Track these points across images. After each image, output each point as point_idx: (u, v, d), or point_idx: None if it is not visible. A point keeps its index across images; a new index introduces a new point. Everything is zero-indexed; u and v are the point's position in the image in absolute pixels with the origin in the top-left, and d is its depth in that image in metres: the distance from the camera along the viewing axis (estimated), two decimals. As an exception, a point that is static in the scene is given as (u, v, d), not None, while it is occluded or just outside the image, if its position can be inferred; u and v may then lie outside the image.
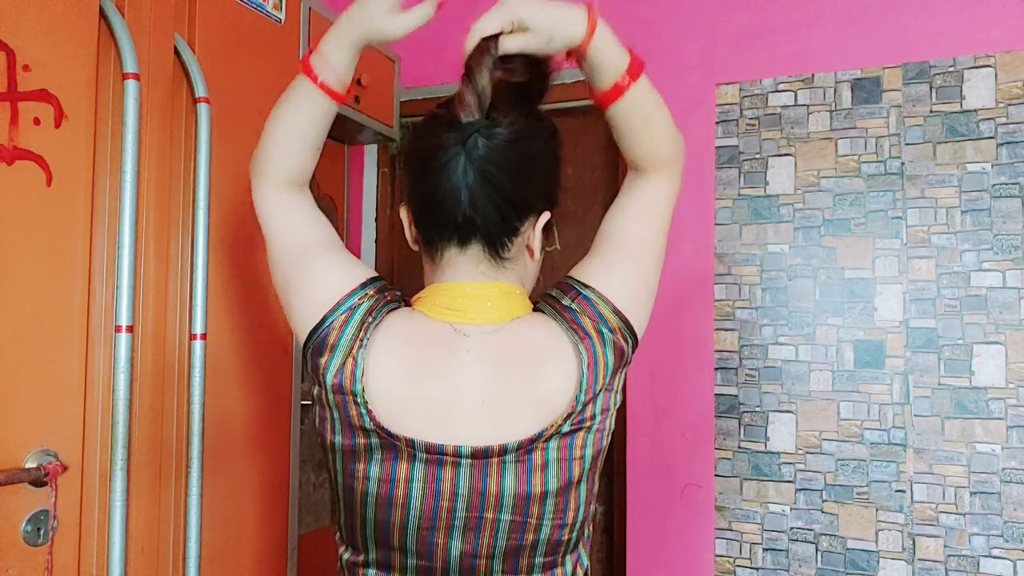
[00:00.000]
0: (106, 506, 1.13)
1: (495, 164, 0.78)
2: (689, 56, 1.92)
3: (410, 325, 0.81)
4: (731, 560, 1.81)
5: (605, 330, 0.80)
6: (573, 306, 0.82)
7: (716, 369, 1.85)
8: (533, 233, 0.84)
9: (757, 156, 1.84)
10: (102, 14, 1.13)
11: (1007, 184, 1.64)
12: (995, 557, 1.60)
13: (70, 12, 1.07)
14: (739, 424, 1.82)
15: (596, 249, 0.88)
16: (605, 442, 0.82)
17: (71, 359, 1.08)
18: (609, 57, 0.79)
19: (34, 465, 1.02)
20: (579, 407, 0.77)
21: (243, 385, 1.41)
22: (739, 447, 1.82)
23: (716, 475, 1.84)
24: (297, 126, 0.86)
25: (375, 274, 0.85)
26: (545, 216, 0.84)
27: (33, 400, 1.03)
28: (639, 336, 0.84)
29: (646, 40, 1.98)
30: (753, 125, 1.85)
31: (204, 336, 1.28)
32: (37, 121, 1.03)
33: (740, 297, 1.84)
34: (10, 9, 1.00)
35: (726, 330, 1.85)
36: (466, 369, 0.78)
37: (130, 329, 1.16)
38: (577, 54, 0.79)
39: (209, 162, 1.30)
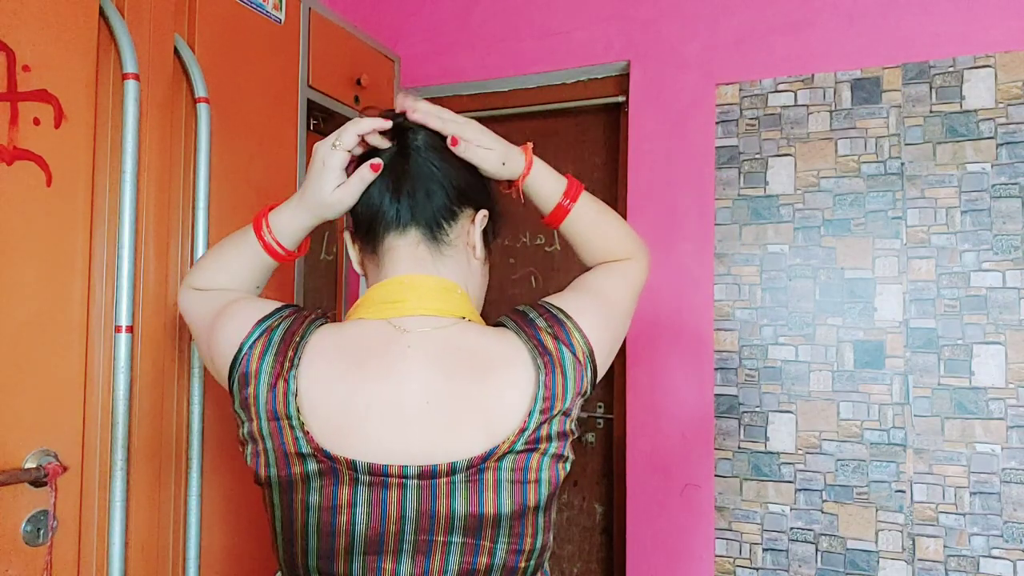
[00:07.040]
0: (106, 506, 1.13)
1: (432, 150, 0.83)
2: (689, 56, 1.93)
3: (342, 334, 0.78)
4: (731, 560, 1.81)
5: (567, 351, 0.78)
6: (539, 322, 0.80)
7: (716, 369, 1.85)
8: (473, 228, 0.85)
9: (757, 156, 1.84)
10: (102, 14, 1.13)
11: (1007, 184, 1.64)
12: (995, 557, 1.60)
13: (70, 12, 1.07)
14: (739, 424, 1.83)
15: (571, 290, 0.89)
16: (563, 472, 0.78)
17: (71, 359, 1.08)
18: (548, 185, 0.91)
19: (34, 465, 1.02)
20: (532, 424, 0.74)
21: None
22: (739, 447, 1.82)
23: (716, 475, 1.84)
24: (236, 268, 0.91)
25: (294, 304, 0.85)
26: (484, 215, 0.85)
27: (33, 400, 1.03)
28: (598, 375, 0.83)
29: (646, 40, 1.98)
30: (753, 125, 1.85)
31: (204, 336, 1.28)
32: (37, 121, 1.03)
33: (740, 297, 1.84)
34: (10, 9, 1.00)
35: (726, 330, 1.85)
36: (407, 366, 0.75)
37: (130, 329, 1.16)
38: (518, 184, 0.89)
39: (209, 162, 1.30)
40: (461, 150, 0.83)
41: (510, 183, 0.90)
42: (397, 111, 0.85)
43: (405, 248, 0.81)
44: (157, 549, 1.22)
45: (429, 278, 0.81)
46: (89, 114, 1.10)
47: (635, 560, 1.91)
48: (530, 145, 0.90)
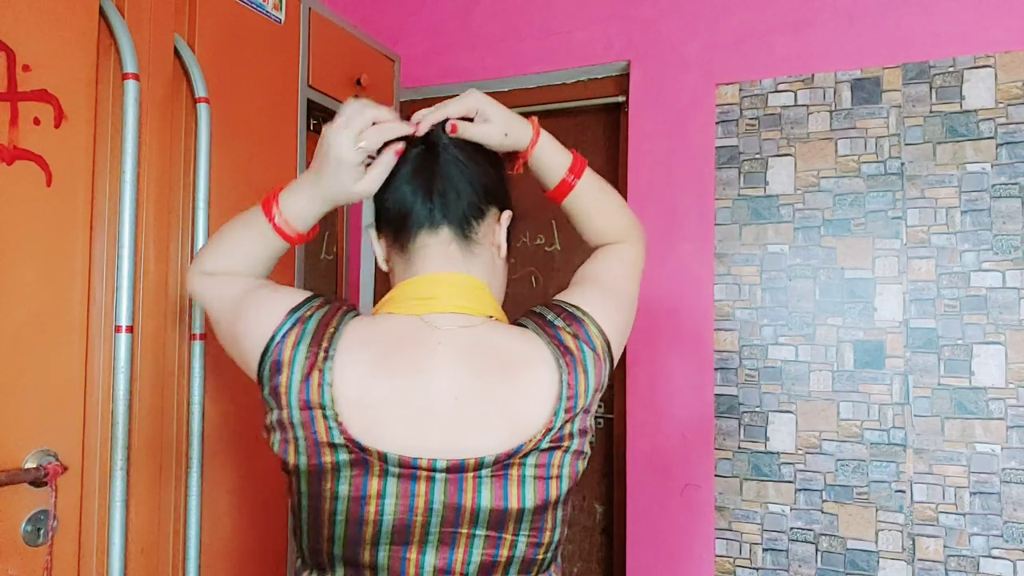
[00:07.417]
0: (106, 506, 1.13)
1: (460, 149, 0.83)
2: (689, 56, 1.92)
3: (374, 327, 0.79)
4: (731, 560, 1.81)
5: (588, 349, 0.80)
6: (557, 322, 0.82)
7: (716, 369, 1.85)
8: (499, 228, 0.85)
9: (757, 156, 1.84)
10: (102, 14, 1.13)
11: (1007, 184, 1.64)
12: (995, 557, 1.60)
13: (70, 12, 1.07)
14: (739, 424, 1.83)
15: (578, 284, 0.91)
16: (581, 467, 0.81)
17: (71, 359, 1.08)
18: (554, 159, 0.91)
19: (34, 465, 1.02)
20: (558, 422, 0.77)
21: (243, 385, 1.41)
22: (739, 447, 1.82)
23: (716, 475, 1.84)
24: (245, 250, 0.90)
25: (322, 294, 0.85)
26: (508, 216, 0.86)
27: (33, 400, 1.03)
28: (614, 365, 0.86)
29: (646, 40, 1.98)
30: (753, 125, 1.85)
31: (204, 336, 1.28)
32: (37, 121, 1.03)
33: (740, 297, 1.84)
34: (10, 9, 1.00)
35: (726, 330, 1.85)
36: (438, 363, 0.76)
37: (130, 329, 1.16)
38: (524, 157, 0.89)
39: (209, 162, 1.30)
40: (461, 132, 0.83)
41: (515, 157, 0.90)
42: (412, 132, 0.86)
43: (437, 246, 0.82)
44: (157, 549, 1.22)
45: (459, 276, 0.82)
46: (89, 114, 1.10)
47: (635, 560, 1.91)
48: (535, 118, 0.90)
